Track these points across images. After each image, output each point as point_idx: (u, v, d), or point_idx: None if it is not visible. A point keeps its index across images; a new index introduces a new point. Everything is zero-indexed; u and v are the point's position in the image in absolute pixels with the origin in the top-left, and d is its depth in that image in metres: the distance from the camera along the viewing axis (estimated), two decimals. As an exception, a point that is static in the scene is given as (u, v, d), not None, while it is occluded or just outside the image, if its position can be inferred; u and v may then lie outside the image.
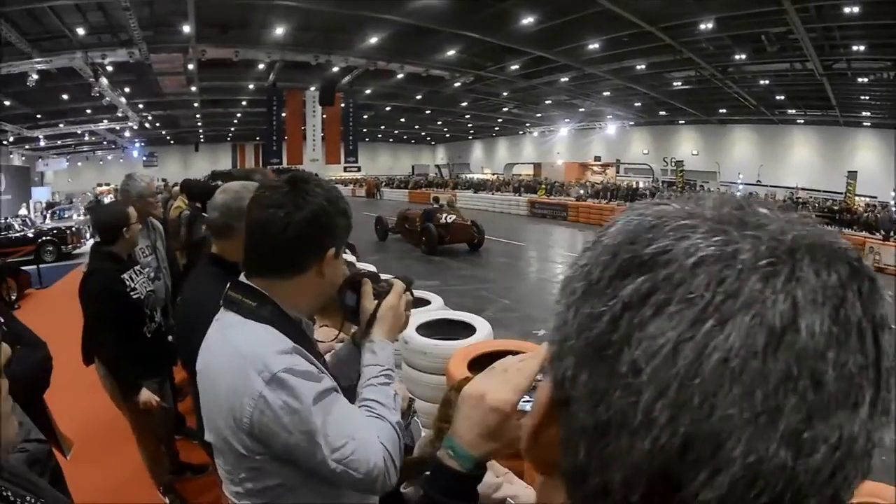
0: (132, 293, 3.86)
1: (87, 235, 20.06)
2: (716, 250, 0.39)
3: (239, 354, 1.48)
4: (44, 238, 18.55)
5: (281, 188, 1.57)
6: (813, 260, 0.39)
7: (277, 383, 1.41)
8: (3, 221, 20.00)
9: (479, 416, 1.02)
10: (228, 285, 1.64)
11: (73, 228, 19.77)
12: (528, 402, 1.00)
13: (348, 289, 1.75)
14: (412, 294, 1.83)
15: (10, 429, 0.77)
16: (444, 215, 17.64)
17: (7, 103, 26.85)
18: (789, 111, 30.54)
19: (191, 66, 24.48)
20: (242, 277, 1.63)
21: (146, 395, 3.85)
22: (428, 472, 1.11)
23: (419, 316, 5.14)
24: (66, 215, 23.93)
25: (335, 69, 25.51)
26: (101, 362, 3.91)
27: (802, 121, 31.39)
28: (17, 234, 18.71)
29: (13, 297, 10.83)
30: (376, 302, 1.70)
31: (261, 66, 26.12)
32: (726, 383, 0.36)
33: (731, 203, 0.44)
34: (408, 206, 25.57)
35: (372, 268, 7.48)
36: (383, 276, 1.84)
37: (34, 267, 13.82)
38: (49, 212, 25.56)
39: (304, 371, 1.45)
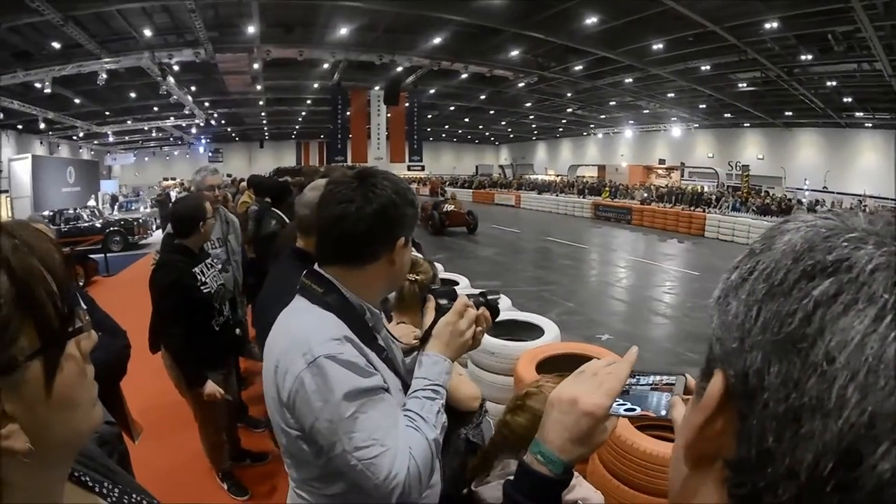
0: (202, 287, 3.90)
1: (154, 227, 20.68)
2: (886, 259, 0.45)
3: (293, 336, 1.56)
4: (111, 228, 19.31)
5: (350, 184, 1.64)
6: None
7: (317, 367, 1.47)
8: (72, 212, 20.74)
9: (570, 421, 1.04)
10: (304, 273, 1.72)
11: (140, 220, 20.55)
12: (621, 405, 1.03)
13: (422, 305, 1.78)
14: (491, 311, 1.80)
15: (98, 414, 0.77)
16: (446, 206, 23.52)
17: (77, 101, 28.00)
18: (857, 114, 29.20)
19: (255, 66, 24.88)
20: (316, 266, 1.70)
21: (211, 387, 3.90)
22: (512, 476, 1.12)
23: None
24: (133, 207, 24.76)
25: (399, 69, 25.50)
26: (169, 354, 3.96)
27: (871, 124, 30.00)
28: (86, 224, 19.47)
29: (80, 283, 11.15)
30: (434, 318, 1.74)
31: (325, 66, 26.32)
32: None
33: (883, 219, 0.50)
34: (424, 198, 27.97)
35: (440, 267, 7.48)
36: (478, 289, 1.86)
37: (101, 255, 14.43)
38: (116, 204, 26.35)
39: (348, 361, 1.49)
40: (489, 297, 1.82)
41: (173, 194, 23.61)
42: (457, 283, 6.55)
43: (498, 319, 1.85)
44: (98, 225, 19.58)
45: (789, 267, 0.48)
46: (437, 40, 22.85)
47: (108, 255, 15.16)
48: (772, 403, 0.45)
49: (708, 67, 24.41)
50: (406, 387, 1.67)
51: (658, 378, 1.04)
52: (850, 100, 26.77)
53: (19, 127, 31.88)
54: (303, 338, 1.52)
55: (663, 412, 0.98)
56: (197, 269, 3.89)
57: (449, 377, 1.67)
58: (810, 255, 0.47)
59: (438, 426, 1.59)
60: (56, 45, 19.99)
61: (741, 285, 0.52)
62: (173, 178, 43.99)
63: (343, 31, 21.68)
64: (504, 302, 5.91)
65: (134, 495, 0.94)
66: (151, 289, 3.84)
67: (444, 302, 1.79)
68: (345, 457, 1.46)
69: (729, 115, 34.48)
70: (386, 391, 1.55)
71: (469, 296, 1.79)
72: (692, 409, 0.57)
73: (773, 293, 0.48)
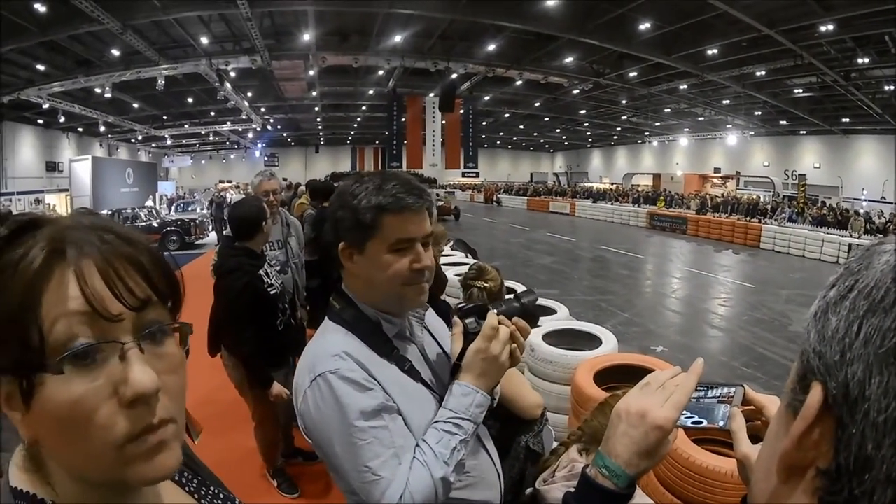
0: (269, 289, 3.93)
1: (210, 228, 21.12)
2: None
3: (306, 353, 1.58)
4: (168, 228, 19.91)
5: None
6: None
7: (317, 384, 1.47)
8: (130, 211, 21.39)
9: (639, 435, 1.03)
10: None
11: (197, 220, 21.08)
12: (689, 417, 1.04)
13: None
14: (528, 317, 1.64)
15: (160, 465, 0.71)
16: (436, 201, 24.50)
17: (136, 105, 29.11)
18: (917, 121, 27.99)
19: (311, 73, 25.27)
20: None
21: (278, 388, 3.94)
22: (573, 489, 1.10)
23: (546, 325, 5.11)
24: (189, 208, 25.34)
25: (454, 76, 25.63)
26: (238, 357, 3.97)
27: (932, 132, 28.68)
28: (144, 224, 20.05)
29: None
30: (463, 345, 1.57)
31: (380, 73, 26.57)
32: None
33: None
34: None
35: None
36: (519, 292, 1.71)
37: (158, 254, 14.76)
38: (173, 204, 27.01)
39: (347, 378, 1.46)
40: (524, 301, 1.65)
41: (229, 196, 24.00)
42: (514, 291, 6.52)
43: (556, 328, 1.72)
44: (155, 224, 20.13)
45: (889, 286, 0.49)
46: (491, 47, 22.86)
47: (164, 253, 15.50)
48: (872, 412, 0.47)
49: (763, 73, 24.04)
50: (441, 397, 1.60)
51: (726, 390, 1.05)
52: (909, 105, 25.75)
53: (80, 129, 33.27)
54: (310, 356, 1.55)
55: (721, 423, 1.01)
56: (262, 272, 3.92)
57: (482, 409, 1.55)
58: None
59: (452, 463, 1.49)
60: (116, 52, 20.87)
61: (840, 302, 0.53)
62: (229, 181, 44.83)
63: (398, 38, 21.85)
64: (561, 311, 5.87)
65: (212, 488, 0.94)
66: (218, 294, 3.87)
67: (470, 321, 1.59)
68: (345, 474, 1.46)
69: (785, 122, 33.79)
70: (395, 411, 1.50)
71: (502, 303, 1.65)
72: (781, 422, 0.59)
73: (875, 310, 0.49)
